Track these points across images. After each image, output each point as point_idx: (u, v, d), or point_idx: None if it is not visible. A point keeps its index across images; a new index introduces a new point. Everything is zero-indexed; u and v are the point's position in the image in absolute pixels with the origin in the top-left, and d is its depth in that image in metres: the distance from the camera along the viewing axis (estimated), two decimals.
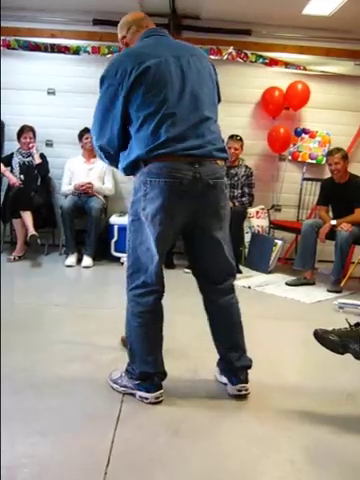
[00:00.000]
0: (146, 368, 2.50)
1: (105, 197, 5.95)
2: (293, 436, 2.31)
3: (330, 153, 5.27)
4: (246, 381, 2.63)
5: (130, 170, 2.42)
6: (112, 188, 5.91)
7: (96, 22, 5.92)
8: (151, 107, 2.29)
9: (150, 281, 2.42)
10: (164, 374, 2.55)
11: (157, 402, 2.51)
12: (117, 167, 2.57)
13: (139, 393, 2.52)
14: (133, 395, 2.55)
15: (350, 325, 2.55)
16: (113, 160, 2.53)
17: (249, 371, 2.67)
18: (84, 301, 4.23)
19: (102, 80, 2.41)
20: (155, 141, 2.28)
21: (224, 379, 2.72)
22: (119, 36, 2.66)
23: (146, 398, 2.50)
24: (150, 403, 2.50)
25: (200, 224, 2.45)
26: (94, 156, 5.82)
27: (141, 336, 2.49)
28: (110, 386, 2.64)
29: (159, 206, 2.29)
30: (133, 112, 2.33)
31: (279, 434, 2.32)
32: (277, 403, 2.61)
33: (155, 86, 2.29)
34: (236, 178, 5.63)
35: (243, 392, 2.62)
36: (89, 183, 5.65)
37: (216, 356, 2.73)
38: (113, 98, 2.34)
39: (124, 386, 2.58)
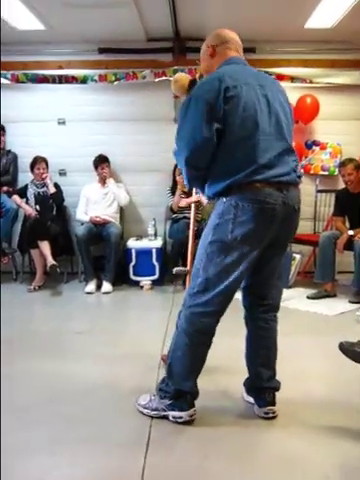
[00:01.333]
0: (184, 387, 2.50)
1: (121, 222, 5.98)
2: (325, 452, 2.28)
3: (343, 164, 5.26)
4: (274, 403, 2.61)
5: (221, 194, 2.39)
6: (127, 196, 5.96)
7: (101, 50, 6.00)
8: (244, 131, 2.31)
9: (213, 302, 2.41)
10: (197, 393, 2.54)
11: (191, 420, 2.50)
12: (201, 189, 2.57)
13: (172, 413, 2.52)
14: (165, 418, 2.53)
15: None
16: (199, 178, 2.50)
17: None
18: (105, 327, 4.23)
19: (191, 98, 2.39)
20: (250, 166, 2.30)
21: (251, 399, 2.70)
22: (208, 42, 2.68)
23: (180, 417, 2.50)
24: (184, 422, 2.49)
25: (276, 244, 2.48)
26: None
27: (187, 355, 2.48)
28: (139, 412, 2.62)
29: (250, 230, 2.31)
30: (226, 132, 2.32)
31: (311, 451, 2.29)
32: (307, 419, 2.58)
33: (247, 111, 2.31)
34: None
35: (270, 415, 2.60)
36: (101, 219, 5.70)
37: (244, 376, 2.72)
38: (204, 114, 2.29)
39: (155, 409, 2.57)
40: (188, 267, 3.31)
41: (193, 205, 3.53)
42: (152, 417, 2.56)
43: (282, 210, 2.36)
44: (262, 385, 2.62)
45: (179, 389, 2.50)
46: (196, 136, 2.31)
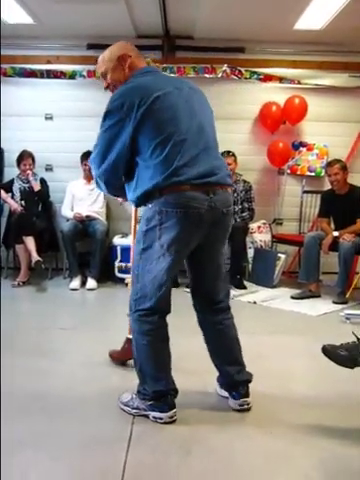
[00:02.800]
0: (159, 386, 2.50)
1: (107, 219, 5.97)
2: (306, 450, 2.29)
3: (329, 164, 5.30)
4: (247, 395, 2.66)
5: (143, 200, 2.40)
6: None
7: (90, 46, 5.98)
8: (162, 135, 2.30)
9: (156, 306, 2.44)
10: (176, 392, 2.55)
11: (171, 421, 2.50)
12: (118, 196, 2.65)
13: (153, 413, 2.51)
14: (146, 416, 2.53)
15: (358, 338, 2.54)
16: (115, 189, 2.56)
17: (260, 386, 2.69)
18: (90, 323, 4.23)
19: (107, 114, 2.39)
20: (169, 168, 2.28)
21: (224, 393, 2.75)
22: (122, 52, 2.58)
23: (160, 418, 2.49)
24: (165, 423, 2.49)
25: (208, 249, 2.52)
26: None
27: (150, 354, 2.49)
28: (121, 409, 2.62)
29: (176, 235, 2.32)
30: (143, 141, 2.33)
31: (292, 449, 2.30)
32: (288, 418, 2.59)
33: (165, 115, 2.32)
34: (235, 194, 5.64)
35: (245, 406, 2.65)
36: (87, 216, 5.68)
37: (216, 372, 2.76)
38: (120, 130, 2.33)
39: (136, 408, 2.56)
40: None
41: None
42: (134, 415, 2.56)
43: (209, 214, 2.36)
44: (233, 380, 2.66)
45: (156, 390, 2.50)
46: (108, 157, 2.37)
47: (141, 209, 2.54)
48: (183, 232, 2.33)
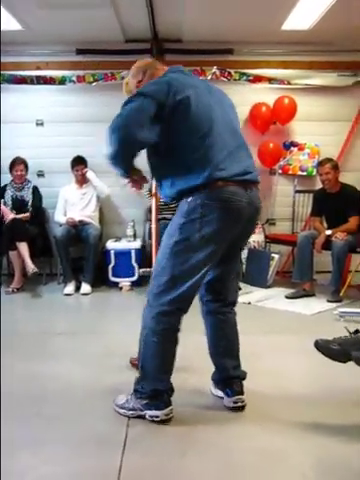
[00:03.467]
0: (158, 385, 2.51)
1: (100, 223, 5.97)
2: (303, 448, 2.30)
3: (320, 164, 5.32)
4: (242, 393, 2.67)
5: (184, 194, 2.39)
6: (107, 188, 5.92)
7: (79, 52, 5.99)
8: (200, 130, 2.33)
9: (179, 300, 2.43)
10: (172, 391, 2.55)
11: (167, 419, 2.51)
12: (128, 176, 2.57)
13: (149, 412, 2.51)
14: (142, 417, 2.53)
15: (350, 333, 2.55)
16: (127, 164, 2.48)
17: (255, 385, 2.72)
18: (85, 328, 4.22)
19: (139, 93, 2.34)
20: (211, 163, 2.31)
21: (219, 393, 2.76)
22: (134, 82, 2.66)
23: (157, 416, 2.50)
24: (161, 421, 2.49)
25: (237, 244, 2.57)
26: (86, 182, 5.88)
27: (158, 354, 2.49)
28: (117, 412, 2.61)
29: (218, 228, 2.34)
30: (180, 135, 2.34)
31: (289, 446, 2.31)
32: (284, 416, 2.60)
33: (201, 111, 2.34)
34: None
35: (239, 404, 2.66)
36: (80, 221, 5.68)
37: (210, 373, 2.79)
38: (149, 110, 2.28)
39: (132, 409, 2.56)
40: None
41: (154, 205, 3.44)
42: (129, 417, 2.56)
43: (247, 210, 2.41)
44: (229, 375, 2.68)
45: (154, 389, 2.50)
46: (136, 132, 2.29)
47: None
48: (225, 225, 2.36)
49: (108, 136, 2.34)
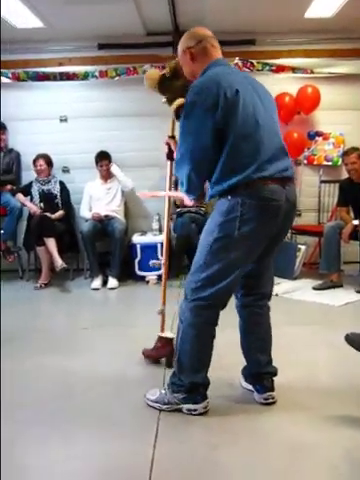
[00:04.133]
0: (196, 379, 2.52)
1: (126, 217, 6.00)
2: (332, 440, 2.29)
3: (346, 153, 5.26)
4: (273, 389, 2.67)
5: (227, 192, 2.38)
6: (131, 182, 5.94)
7: (101, 46, 6.01)
8: (245, 130, 2.33)
9: (218, 295, 2.45)
10: (209, 383, 2.57)
11: (204, 412, 2.53)
12: (194, 196, 2.57)
13: (186, 406, 2.54)
14: (175, 411, 2.55)
15: None
16: (200, 187, 2.53)
17: (284, 378, 2.70)
18: (112, 322, 4.25)
19: (189, 106, 2.38)
20: (254, 163, 2.32)
21: (249, 386, 2.76)
22: (184, 45, 2.60)
23: (195, 409, 2.52)
24: (199, 414, 2.52)
25: (275, 240, 2.54)
26: (111, 176, 5.90)
27: (196, 347, 2.51)
28: (150, 407, 2.62)
29: (257, 227, 2.36)
30: (228, 135, 2.33)
31: (318, 439, 2.30)
32: (314, 408, 2.59)
33: (247, 110, 2.34)
34: None
35: (270, 400, 2.65)
36: (106, 216, 5.71)
37: (241, 366, 2.79)
38: (206, 121, 2.32)
39: (168, 403, 2.57)
40: (163, 259, 3.38)
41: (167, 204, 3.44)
42: (164, 411, 2.57)
43: (285, 206, 2.41)
44: (260, 371, 2.68)
45: (192, 381, 2.52)
46: (200, 148, 2.36)
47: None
48: (264, 223, 2.38)
49: (179, 173, 2.48)
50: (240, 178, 2.33)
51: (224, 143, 2.34)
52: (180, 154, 2.45)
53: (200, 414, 2.52)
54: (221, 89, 2.30)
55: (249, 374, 2.75)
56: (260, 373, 2.67)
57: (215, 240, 2.40)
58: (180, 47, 2.63)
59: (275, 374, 2.70)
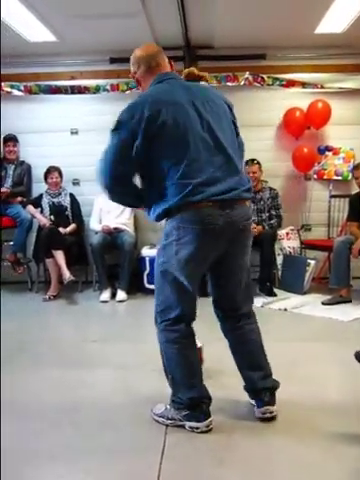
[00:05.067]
0: (192, 393, 2.51)
1: (135, 230, 6.01)
2: (340, 460, 2.26)
3: (356, 167, 5.26)
4: (271, 403, 2.62)
5: (162, 217, 2.45)
6: None
7: (113, 60, 6.05)
8: (177, 154, 2.33)
9: (181, 315, 2.49)
10: (210, 400, 2.55)
11: (208, 430, 2.50)
12: (131, 205, 2.78)
13: (189, 424, 2.52)
14: (181, 427, 2.53)
15: None
16: (122, 199, 2.66)
17: (291, 394, 2.70)
18: (121, 335, 4.24)
19: (117, 125, 2.41)
20: (186, 187, 2.31)
21: (252, 401, 2.74)
22: (131, 70, 2.67)
23: (197, 428, 2.50)
24: (201, 432, 2.49)
25: (228, 263, 2.54)
26: None
27: (180, 362, 2.52)
28: (155, 421, 2.62)
29: (192, 251, 2.36)
30: (159, 159, 2.36)
31: (327, 458, 2.27)
32: (321, 426, 2.56)
33: (175, 133, 2.33)
34: (262, 202, 5.65)
35: (267, 415, 2.61)
36: (115, 228, 5.72)
37: None
38: (128, 143, 2.35)
39: (171, 419, 2.57)
40: None
41: None
42: (168, 426, 2.56)
43: (226, 229, 2.37)
44: (256, 387, 2.64)
45: (190, 397, 2.50)
46: (113, 170, 2.42)
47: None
48: (200, 247, 2.37)
49: (101, 183, 2.53)
50: (172, 203, 2.35)
51: (154, 168, 2.38)
52: (98, 169, 2.51)
53: (203, 432, 2.49)
54: (146, 114, 2.31)
55: (247, 390, 2.73)
56: (255, 389, 2.65)
57: (160, 264, 2.48)
58: (130, 67, 2.68)
59: (274, 388, 2.65)
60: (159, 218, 2.47)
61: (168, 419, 2.58)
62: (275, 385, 2.66)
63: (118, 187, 2.50)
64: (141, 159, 2.37)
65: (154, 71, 2.57)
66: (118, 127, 2.40)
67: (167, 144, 2.33)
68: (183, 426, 2.53)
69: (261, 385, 2.63)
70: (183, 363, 2.52)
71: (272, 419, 2.61)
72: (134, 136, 2.33)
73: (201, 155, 2.34)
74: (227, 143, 2.44)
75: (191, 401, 2.50)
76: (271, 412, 2.61)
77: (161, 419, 2.60)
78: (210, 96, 2.52)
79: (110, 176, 2.45)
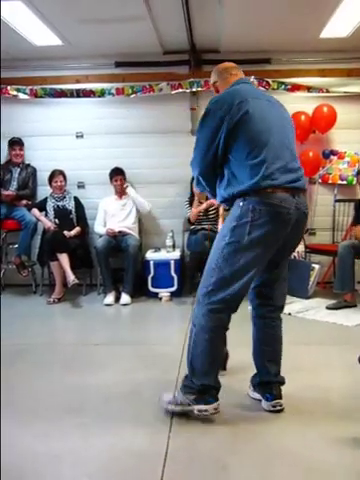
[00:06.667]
0: (207, 381, 2.61)
1: (140, 233, 6.02)
2: (346, 463, 2.25)
3: None
4: (280, 397, 2.74)
5: (236, 197, 2.54)
6: (149, 203, 5.99)
7: (118, 64, 6.08)
8: (260, 139, 2.48)
9: (229, 299, 2.54)
10: (220, 386, 2.67)
11: (215, 413, 2.61)
12: (213, 195, 2.82)
13: (197, 407, 2.62)
14: (186, 414, 2.64)
15: None
16: (212, 186, 2.74)
17: (296, 398, 2.75)
18: (124, 339, 4.24)
19: (205, 115, 2.60)
20: (266, 171, 2.45)
21: (257, 395, 2.83)
22: (211, 80, 2.92)
23: (206, 410, 2.61)
24: (210, 414, 2.60)
25: (287, 247, 2.66)
26: (125, 193, 5.94)
27: (207, 350, 2.59)
28: (164, 408, 2.71)
29: (267, 231, 2.47)
30: (240, 141, 2.50)
31: (331, 461, 2.27)
32: (327, 429, 2.55)
33: (260, 121, 2.51)
34: None
35: (278, 407, 2.73)
36: (120, 231, 5.73)
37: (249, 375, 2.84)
38: (218, 129, 2.51)
39: (180, 404, 2.66)
40: None
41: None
42: (175, 413, 2.66)
43: (295, 214, 2.52)
44: (270, 379, 2.76)
45: (204, 384, 2.60)
46: (208, 156, 2.58)
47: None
48: (273, 230, 2.48)
49: (193, 173, 2.75)
50: (250, 184, 2.46)
51: (235, 150, 2.52)
52: (193, 157, 2.68)
53: (211, 414, 2.60)
54: (236, 100, 2.50)
55: (258, 382, 2.82)
56: (270, 382, 2.75)
57: (227, 244, 2.52)
58: (211, 80, 2.94)
59: (283, 383, 2.78)
60: (232, 199, 2.57)
61: (176, 404, 2.67)
62: (284, 381, 2.80)
63: (209, 173, 2.66)
64: (226, 144, 2.52)
65: (230, 80, 2.79)
66: (206, 117, 2.60)
67: (251, 130, 2.48)
68: (188, 413, 2.64)
69: (275, 379, 2.77)
70: (210, 352, 2.60)
71: (281, 411, 2.72)
72: (222, 123, 2.50)
73: (278, 146, 2.52)
74: (292, 142, 2.67)
75: (203, 387, 2.61)
76: (281, 405, 2.73)
77: (170, 406, 2.69)
78: (278, 101, 2.77)
79: (203, 162, 2.62)
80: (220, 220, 3.55)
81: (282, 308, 2.82)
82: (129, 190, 5.93)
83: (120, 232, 5.72)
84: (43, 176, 6.11)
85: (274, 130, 2.53)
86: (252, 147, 2.47)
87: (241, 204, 2.49)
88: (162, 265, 5.71)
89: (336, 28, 5.23)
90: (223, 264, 2.53)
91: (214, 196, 2.80)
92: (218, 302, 2.54)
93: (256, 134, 2.48)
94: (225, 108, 2.50)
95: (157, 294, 5.63)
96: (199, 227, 5.73)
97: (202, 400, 2.61)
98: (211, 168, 2.62)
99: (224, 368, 3.08)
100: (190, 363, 2.65)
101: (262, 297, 2.77)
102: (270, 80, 5.93)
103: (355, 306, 5.04)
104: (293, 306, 5.13)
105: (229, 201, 2.60)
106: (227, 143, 2.51)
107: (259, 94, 2.68)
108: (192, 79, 5.93)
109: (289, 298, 5.38)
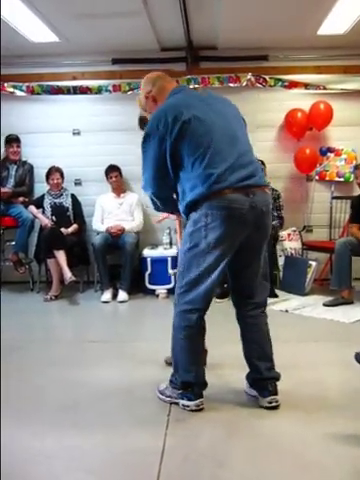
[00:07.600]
0: (187, 378, 2.72)
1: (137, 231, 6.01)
2: (340, 460, 2.25)
3: (357, 168, 5.27)
4: (276, 393, 2.74)
5: (191, 208, 2.61)
6: (140, 223, 5.96)
7: (115, 61, 6.07)
8: (200, 149, 2.53)
9: (196, 300, 2.64)
10: (205, 384, 2.76)
11: (198, 409, 2.69)
12: (173, 212, 3.03)
13: (182, 401, 2.74)
14: (177, 404, 2.75)
15: None
16: (167, 205, 2.91)
17: (292, 395, 2.75)
18: (122, 335, 4.25)
19: (146, 137, 2.66)
20: (210, 177, 2.50)
21: (253, 392, 2.84)
22: (145, 91, 2.89)
23: (188, 406, 2.72)
24: (192, 410, 2.69)
25: (250, 246, 2.67)
26: (124, 191, 5.94)
27: (185, 348, 2.70)
28: (158, 397, 2.84)
29: (221, 234, 2.52)
30: (183, 156, 2.57)
31: (327, 459, 2.26)
32: (323, 425, 2.55)
33: (199, 130, 2.54)
34: None
35: (274, 404, 2.73)
36: (120, 228, 5.72)
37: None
38: (160, 150, 2.60)
39: (169, 396, 2.81)
40: None
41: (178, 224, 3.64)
42: (170, 403, 2.77)
43: (251, 213, 2.55)
44: (262, 376, 2.77)
45: (184, 381, 2.72)
46: (157, 177, 2.69)
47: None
48: (228, 231, 2.53)
49: (149, 197, 2.85)
50: (198, 193, 2.54)
51: (182, 164, 2.59)
52: (144, 180, 2.77)
53: (193, 411, 2.68)
54: (169, 116, 2.55)
55: (252, 380, 2.84)
56: (263, 378, 2.76)
57: (188, 250, 2.64)
58: (142, 95, 2.93)
59: (278, 379, 2.78)
60: (188, 210, 2.64)
61: (167, 396, 2.82)
62: (279, 376, 2.80)
63: (162, 192, 2.79)
64: (172, 160, 2.60)
65: (167, 87, 2.84)
66: (147, 139, 2.66)
67: (191, 140, 2.54)
68: (178, 403, 2.76)
69: (267, 375, 2.76)
70: (187, 349, 2.70)
71: (277, 407, 2.72)
72: (164, 142, 2.57)
73: (223, 146, 2.55)
74: (242, 138, 2.68)
75: (184, 384, 2.72)
76: (276, 401, 2.73)
77: (162, 396, 2.85)
78: (221, 100, 2.82)
79: (154, 184, 2.73)
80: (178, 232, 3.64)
81: (265, 304, 2.86)
82: (132, 196, 6.00)
83: (119, 230, 5.70)
84: (40, 173, 6.10)
85: (216, 130, 2.57)
86: (196, 156, 2.53)
87: (196, 211, 2.57)
88: (159, 262, 5.71)
89: (333, 25, 5.23)
90: (188, 267, 2.63)
91: (172, 213, 3.01)
92: (187, 303, 2.65)
93: (197, 142, 2.53)
94: (161, 128, 2.56)
95: (154, 291, 5.63)
96: None
97: (186, 396, 2.72)
98: (165, 188, 2.75)
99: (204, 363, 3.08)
100: (173, 361, 2.79)
101: (243, 297, 2.82)
102: (267, 77, 5.94)
103: (352, 303, 5.05)
104: (290, 303, 5.14)
105: (190, 212, 2.65)
106: (174, 159, 2.59)
107: (194, 100, 2.70)
108: (189, 76, 5.92)
109: (286, 295, 5.44)
